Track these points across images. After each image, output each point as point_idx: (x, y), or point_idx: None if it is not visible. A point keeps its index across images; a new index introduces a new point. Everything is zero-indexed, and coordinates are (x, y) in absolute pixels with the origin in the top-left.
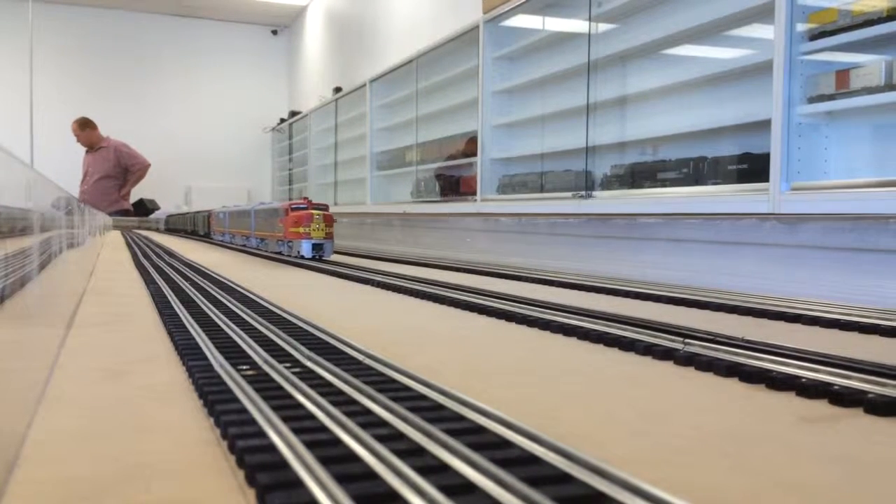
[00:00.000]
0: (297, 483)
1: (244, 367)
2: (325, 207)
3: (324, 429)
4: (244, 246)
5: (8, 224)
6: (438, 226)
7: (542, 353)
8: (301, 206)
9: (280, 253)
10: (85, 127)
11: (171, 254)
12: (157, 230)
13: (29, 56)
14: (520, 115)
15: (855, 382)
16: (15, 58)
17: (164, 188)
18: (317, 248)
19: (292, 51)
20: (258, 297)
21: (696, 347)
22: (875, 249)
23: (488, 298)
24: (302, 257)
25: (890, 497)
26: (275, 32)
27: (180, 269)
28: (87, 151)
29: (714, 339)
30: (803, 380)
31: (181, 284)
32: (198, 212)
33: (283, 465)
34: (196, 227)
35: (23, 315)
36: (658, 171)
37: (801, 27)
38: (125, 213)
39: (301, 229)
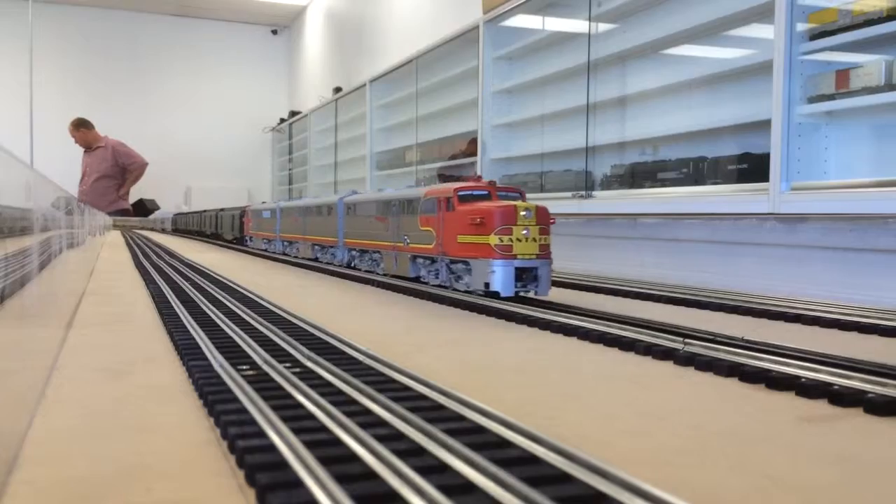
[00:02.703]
0: (297, 483)
1: (244, 367)
2: (518, 194)
3: (324, 429)
4: (316, 260)
5: (8, 224)
6: None
7: (542, 353)
8: (478, 192)
9: (417, 279)
10: (80, 127)
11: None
12: (163, 230)
13: (29, 56)
14: (520, 114)
15: (855, 382)
16: (15, 58)
17: (163, 188)
18: (524, 275)
19: (292, 51)
20: None
21: (696, 347)
22: (875, 249)
23: (488, 298)
24: (487, 293)
25: (890, 497)
26: (275, 32)
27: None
28: (85, 151)
29: (714, 339)
30: (803, 380)
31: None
32: (222, 210)
33: (283, 465)
34: (220, 229)
35: (22, 315)
36: (658, 171)
37: (801, 27)
38: (125, 212)
39: (492, 239)
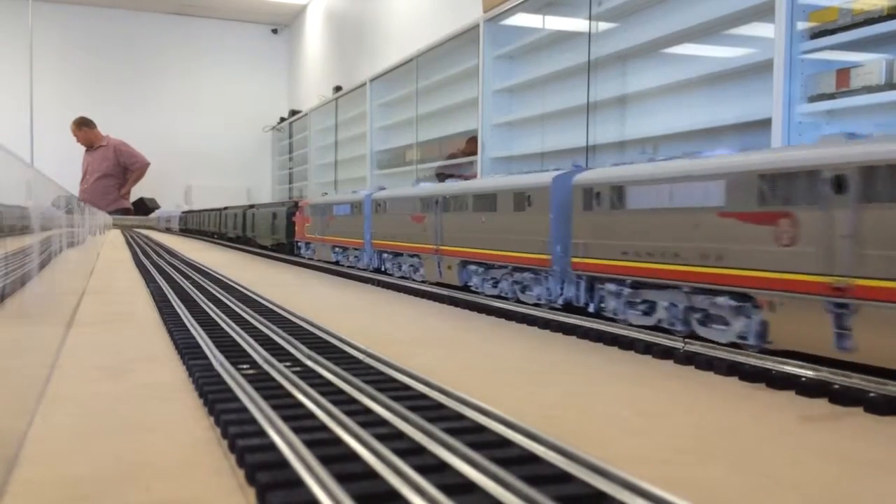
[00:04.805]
0: (297, 482)
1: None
2: None
3: (324, 427)
4: (465, 289)
5: (8, 223)
6: None
7: (542, 352)
8: None
9: None
10: (83, 126)
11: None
12: (167, 230)
13: (29, 56)
14: (520, 113)
15: (855, 382)
16: (15, 57)
17: (164, 187)
18: None
19: (292, 50)
20: None
21: (695, 347)
22: None
23: (488, 298)
24: None
25: (890, 496)
26: (275, 31)
27: None
28: (86, 150)
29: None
30: (803, 379)
31: None
32: (252, 207)
33: (283, 464)
34: (250, 231)
35: (23, 314)
36: None
37: (801, 26)
38: (125, 211)
39: None
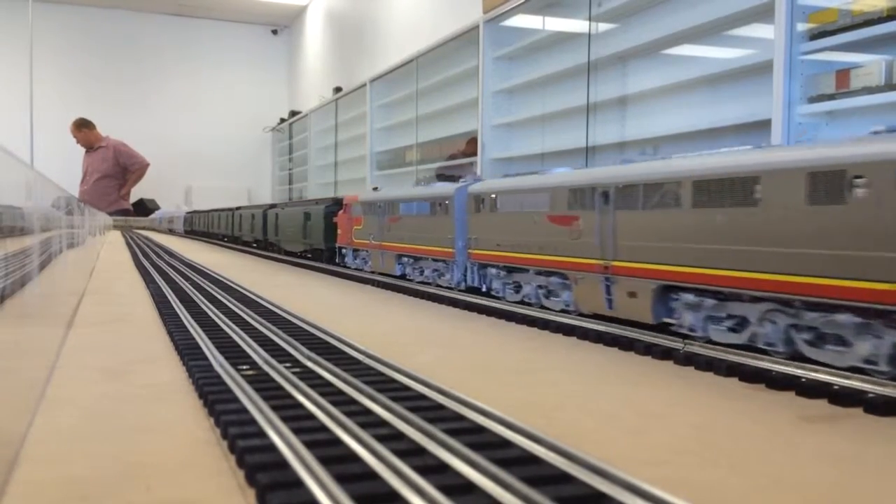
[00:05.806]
0: (297, 483)
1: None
2: None
3: (324, 428)
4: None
5: (8, 224)
6: None
7: (542, 353)
8: None
9: None
10: (82, 127)
11: None
12: (171, 231)
13: (29, 56)
14: (520, 114)
15: (854, 382)
16: (15, 58)
17: (163, 188)
18: None
19: (292, 50)
20: None
21: (695, 347)
22: None
23: (488, 298)
24: None
25: (889, 497)
26: (275, 32)
27: None
28: (86, 151)
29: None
30: (803, 379)
31: None
32: (273, 206)
33: (283, 464)
34: (274, 235)
35: (23, 315)
36: None
37: (801, 27)
38: (125, 212)
39: None
